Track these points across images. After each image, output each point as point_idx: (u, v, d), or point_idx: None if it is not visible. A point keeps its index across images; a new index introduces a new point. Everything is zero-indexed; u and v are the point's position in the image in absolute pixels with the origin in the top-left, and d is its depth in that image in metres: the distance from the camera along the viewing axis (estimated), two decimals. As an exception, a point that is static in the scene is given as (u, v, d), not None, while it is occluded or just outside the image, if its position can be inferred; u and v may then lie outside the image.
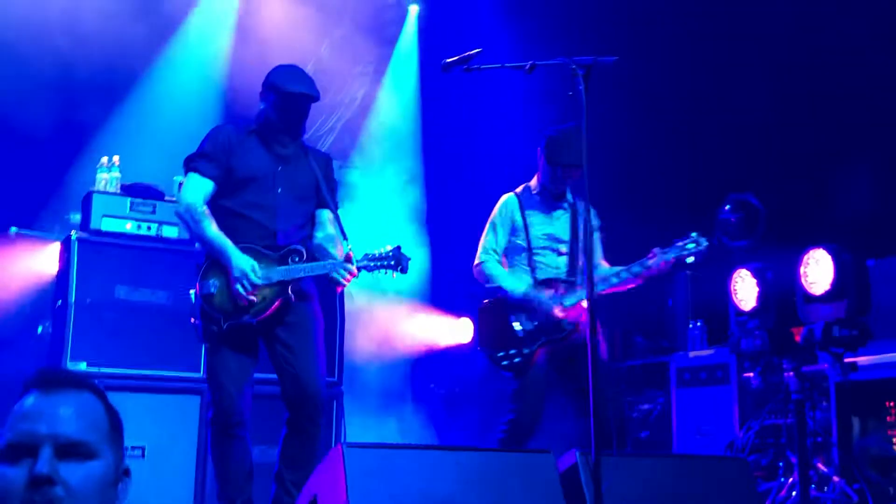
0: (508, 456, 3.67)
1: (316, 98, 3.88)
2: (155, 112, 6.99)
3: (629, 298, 7.40)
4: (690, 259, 4.67)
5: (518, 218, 4.90)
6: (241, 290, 3.69)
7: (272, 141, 3.91)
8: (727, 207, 6.86)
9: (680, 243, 4.67)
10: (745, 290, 6.46)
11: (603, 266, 4.91)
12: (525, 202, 4.95)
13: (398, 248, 3.86)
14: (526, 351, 4.67)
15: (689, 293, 7.33)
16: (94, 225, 5.25)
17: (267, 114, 3.93)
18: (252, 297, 3.72)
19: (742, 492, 3.81)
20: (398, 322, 7.83)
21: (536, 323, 4.71)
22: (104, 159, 5.56)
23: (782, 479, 5.42)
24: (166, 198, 5.46)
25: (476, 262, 4.94)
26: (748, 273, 6.46)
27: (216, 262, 3.78)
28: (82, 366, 4.94)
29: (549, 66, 3.36)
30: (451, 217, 6.46)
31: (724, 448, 6.13)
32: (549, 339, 4.69)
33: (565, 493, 3.41)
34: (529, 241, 4.87)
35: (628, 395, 7.29)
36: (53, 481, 1.51)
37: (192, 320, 3.86)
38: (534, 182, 5.03)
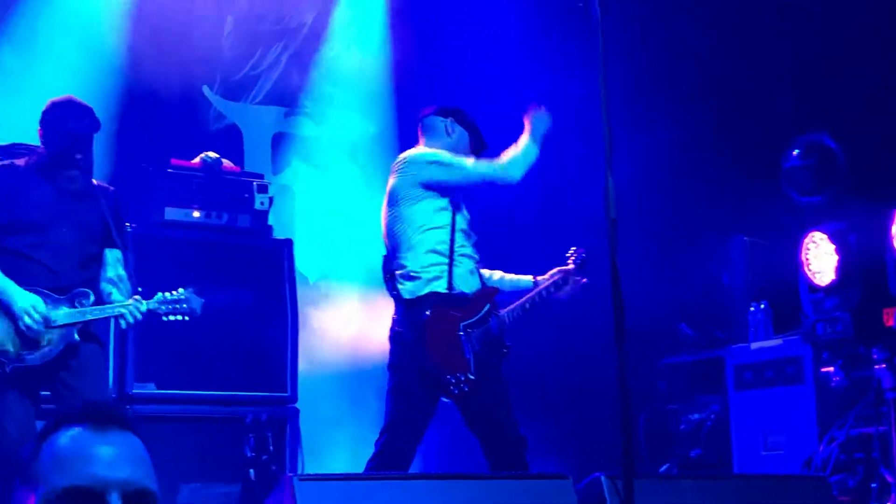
0: (514, 483, 3.67)
1: (97, 129, 4.69)
2: (32, 53, 6.90)
3: (671, 275, 7.42)
4: None
5: None
6: (30, 323, 4.46)
7: (58, 177, 4.67)
8: (796, 153, 6.83)
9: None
10: (820, 259, 6.43)
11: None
12: None
13: (191, 291, 4.75)
14: (472, 378, 4.73)
15: (748, 267, 7.31)
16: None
17: (49, 150, 4.69)
18: (41, 332, 4.51)
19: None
20: (374, 317, 7.79)
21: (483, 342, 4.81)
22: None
23: (876, 505, 5.44)
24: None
25: None
26: (824, 237, 6.43)
27: None
28: None
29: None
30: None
31: (801, 466, 6.13)
32: (487, 366, 4.80)
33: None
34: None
35: (672, 403, 7.28)
36: None
37: None
38: None
